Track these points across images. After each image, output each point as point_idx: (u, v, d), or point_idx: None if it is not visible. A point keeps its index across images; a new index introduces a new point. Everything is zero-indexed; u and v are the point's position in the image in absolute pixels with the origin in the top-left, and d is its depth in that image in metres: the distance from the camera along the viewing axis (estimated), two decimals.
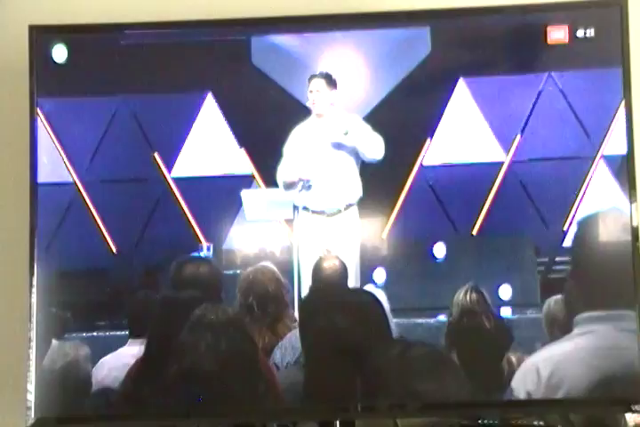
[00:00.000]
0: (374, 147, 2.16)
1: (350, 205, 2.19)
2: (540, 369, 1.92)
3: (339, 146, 2.20)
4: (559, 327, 2.03)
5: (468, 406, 2.07)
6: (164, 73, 2.20)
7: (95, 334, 2.18)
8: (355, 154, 2.20)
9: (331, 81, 2.18)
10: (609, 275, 2.02)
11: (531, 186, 2.16)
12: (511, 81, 2.17)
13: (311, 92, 2.18)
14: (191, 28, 2.21)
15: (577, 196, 2.13)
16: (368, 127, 2.17)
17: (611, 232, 2.08)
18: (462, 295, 2.09)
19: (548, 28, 2.13)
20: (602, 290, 1.98)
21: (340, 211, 2.21)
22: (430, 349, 2.03)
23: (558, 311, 2.06)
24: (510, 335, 2.08)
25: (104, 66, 2.20)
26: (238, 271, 2.17)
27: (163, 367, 2.04)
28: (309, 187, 2.20)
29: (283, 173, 2.19)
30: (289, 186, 2.20)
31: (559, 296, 2.07)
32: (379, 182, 2.18)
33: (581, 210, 2.12)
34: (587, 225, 2.10)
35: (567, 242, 2.13)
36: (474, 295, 2.08)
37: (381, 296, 2.10)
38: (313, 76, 2.18)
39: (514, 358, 2.05)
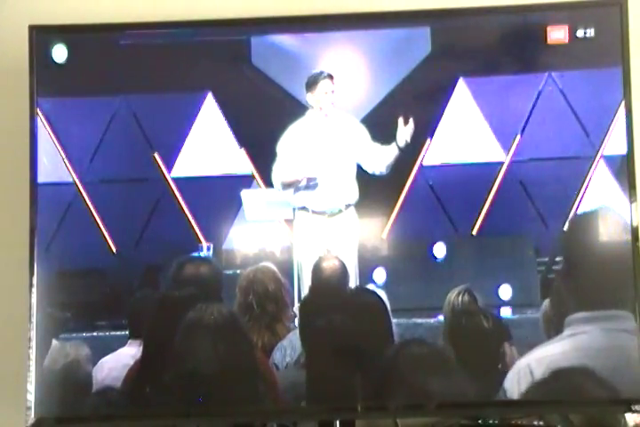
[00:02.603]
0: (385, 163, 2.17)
1: (350, 205, 2.19)
2: (533, 370, 1.92)
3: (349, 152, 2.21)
4: (554, 327, 2.02)
5: (468, 406, 2.07)
6: (163, 73, 2.20)
7: (95, 334, 2.18)
8: (355, 157, 2.20)
9: (334, 80, 2.18)
10: (601, 275, 2.01)
11: (531, 186, 2.16)
12: (511, 81, 2.17)
13: (326, 93, 2.18)
14: (191, 28, 2.21)
15: (577, 196, 2.13)
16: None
17: (604, 232, 2.07)
18: (454, 297, 2.09)
19: (548, 28, 2.13)
20: (594, 290, 1.97)
21: (340, 211, 2.21)
22: (430, 349, 2.03)
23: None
24: (508, 335, 2.07)
25: (104, 66, 2.20)
26: (238, 271, 2.17)
27: (163, 367, 2.04)
28: (315, 185, 2.19)
29: (282, 172, 2.19)
30: (288, 185, 2.20)
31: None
32: (379, 182, 2.18)
33: (581, 210, 2.12)
34: (578, 224, 2.10)
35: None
36: (466, 298, 2.08)
37: (383, 296, 2.11)
38: (320, 78, 2.17)
39: (513, 358, 2.04)
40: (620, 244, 2.06)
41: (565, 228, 2.10)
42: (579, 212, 2.12)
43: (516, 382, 1.93)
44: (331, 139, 2.21)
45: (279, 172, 2.19)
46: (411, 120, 2.14)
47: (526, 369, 1.92)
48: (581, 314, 1.93)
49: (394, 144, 2.15)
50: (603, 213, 2.11)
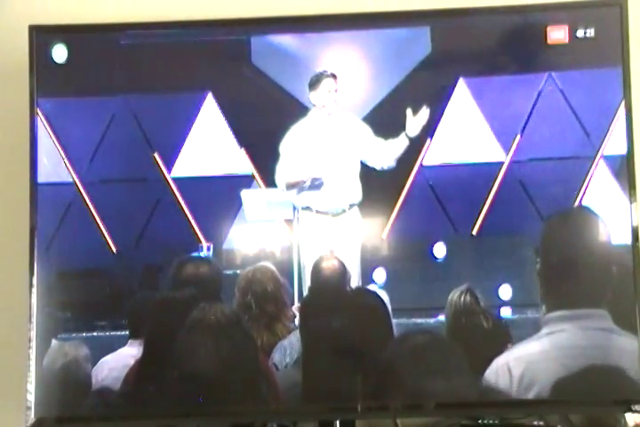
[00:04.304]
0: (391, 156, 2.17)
1: (353, 205, 2.19)
2: (511, 369, 1.92)
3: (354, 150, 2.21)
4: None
5: (468, 406, 2.07)
6: (163, 73, 2.20)
7: (95, 334, 2.17)
8: (358, 155, 2.20)
9: (336, 79, 2.18)
10: (578, 274, 2.01)
11: (531, 186, 2.16)
12: (511, 81, 2.17)
13: (329, 91, 2.18)
14: (191, 28, 2.21)
15: (577, 196, 2.13)
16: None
17: (582, 230, 2.07)
18: (457, 297, 2.09)
19: (548, 28, 2.13)
20: (572, 289, 1.97)
21: (344, 211, 2.20)
22: (430, 346, 2.03)
23: None
24: (509, 336, 2.07)
25: (104, 66, 2.20)
26: (238, 271, 2.17)
27: (163, 367, 2.04)
28: (319, 185, 2.19)
29: (286, 173, 2.19)
30: (292, 186, 2.19)
31: None
32: (379, 182, 2.18)
33: (559, 209, 2.12)
34: (556, 223, 2.10)
35: None
36: (468, 298, 2.08)
37: (384, 296, 2.11)
38: (323, 77, 2.17)
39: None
40: (599, 243, 2.06)
41: (543, 226, 2.10)
42: (557, 211, 2.12)
43: (493, 381, 1.94)
44: (334, 138, 2.21)
45: (283, 172, 2.18)
46: (423, 109, 2.14)
47: (504, 368, 1.93)
48: (560, 312, 1.94)
49: (403, 135, 2.15)
50: (580, 211, 2.11)
